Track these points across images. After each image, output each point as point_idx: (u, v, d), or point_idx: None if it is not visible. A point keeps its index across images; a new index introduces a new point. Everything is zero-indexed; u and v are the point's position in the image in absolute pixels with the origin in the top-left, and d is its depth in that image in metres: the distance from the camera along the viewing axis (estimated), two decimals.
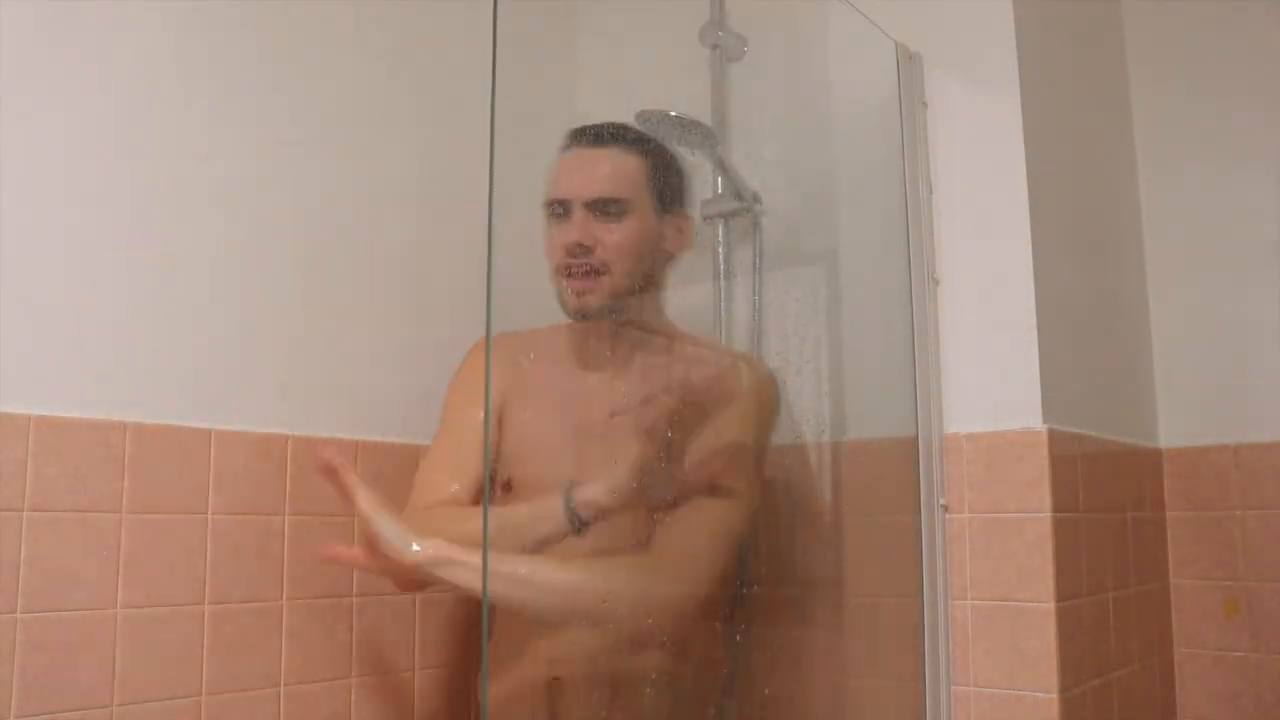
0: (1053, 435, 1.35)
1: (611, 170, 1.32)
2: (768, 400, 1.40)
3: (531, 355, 1.41)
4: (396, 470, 1.49)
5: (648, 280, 1.34)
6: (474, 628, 1.58)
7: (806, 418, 1.52)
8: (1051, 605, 1.30)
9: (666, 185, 1.35)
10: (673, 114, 1.47)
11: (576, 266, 1.29)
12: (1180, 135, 1.80)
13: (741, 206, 1.58)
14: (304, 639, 1.38)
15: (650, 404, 1.30)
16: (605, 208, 1.30)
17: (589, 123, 1.38)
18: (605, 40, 1.91)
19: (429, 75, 1.65)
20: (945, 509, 1.39)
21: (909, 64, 1.49)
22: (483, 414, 1.35)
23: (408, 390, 1.52)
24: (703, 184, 1.62)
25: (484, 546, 1.17)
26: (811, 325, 1.57)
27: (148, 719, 1.22)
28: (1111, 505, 1.53)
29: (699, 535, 1.26)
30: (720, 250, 1.60)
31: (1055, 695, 1.28)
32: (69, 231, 1.22)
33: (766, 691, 1.46)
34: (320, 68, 1.51)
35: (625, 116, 1.46)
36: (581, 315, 1.32)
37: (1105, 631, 1.45)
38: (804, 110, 1.64)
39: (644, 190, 1.32)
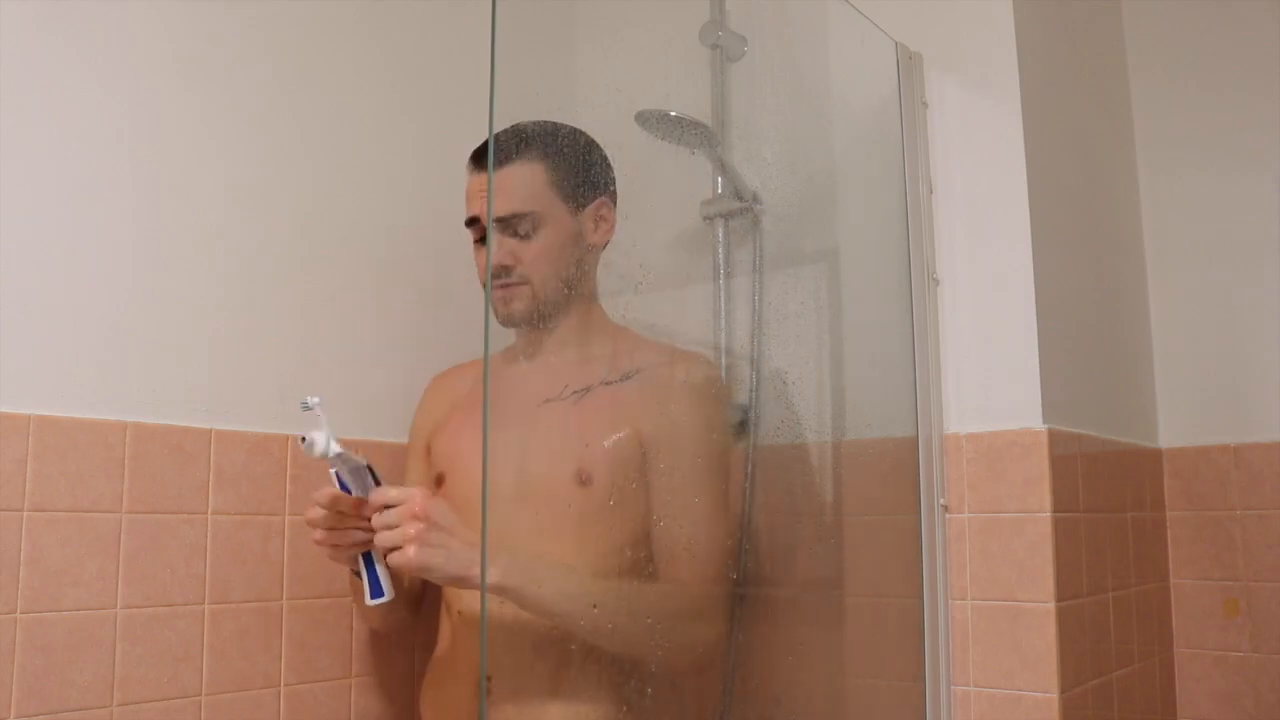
0: (1053, 435, 1.35)
1: (513, 187, 1.30)
2: (707, 398, 1.37)
3: (461, 378, 1.46)
4: (395, 470, 1.49)
5: (577, 279, 1.34)
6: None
7: (807, 418, 1.52)
8: (1051, 605, 1.30)
9: (577, 180, 1.33)
10: (672, 114, 1.46)
11: (501, 284, 1.31)
12: (1180, 135, 1.80)
13: (741, 206, 1.58)
14: (304, 639, 1.38)
15: (586, 394, 1.31)
16: (516, 226, 1.30)
17: (589, 125, 1.38)
18: (605, 40, 1.91)
19: (429, 76, 1.65)
20: (945, 509, 1.39)
21: (909, 64, 1.49)
22: (418, 444, 1.45)
23: (408, 391, 1.52)
24: (703, 184, 1.62)
25: (483, 544, 1.17)
26: (812, 325, 1.57)
27: (148, 719, 1.22)
28: (1111, 505, 1.53)
29: (702, 571, 1.27)
30: (720, 250, 1.60)
31: (1055, 695, 1.28)
32: (69, 231, 1.23)
33: (766, 692, 1.46)
34: (320, 67, 1.51)
35: (625, 116, 1.46)
36: (510, 322, 1.34)
37: (1105, 631, 1.45)
38: (804, 110, 1.64)
39: (551, 196, 1.31)
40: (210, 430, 1.32)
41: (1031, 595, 1.31)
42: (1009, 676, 1.32)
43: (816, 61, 1.64)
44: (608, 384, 1.32)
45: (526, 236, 1.30)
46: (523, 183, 1.31)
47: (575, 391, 1.31)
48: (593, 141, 1.38)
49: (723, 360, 1.57)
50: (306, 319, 1.45)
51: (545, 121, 1.36)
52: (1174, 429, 1.76)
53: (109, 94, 1.27)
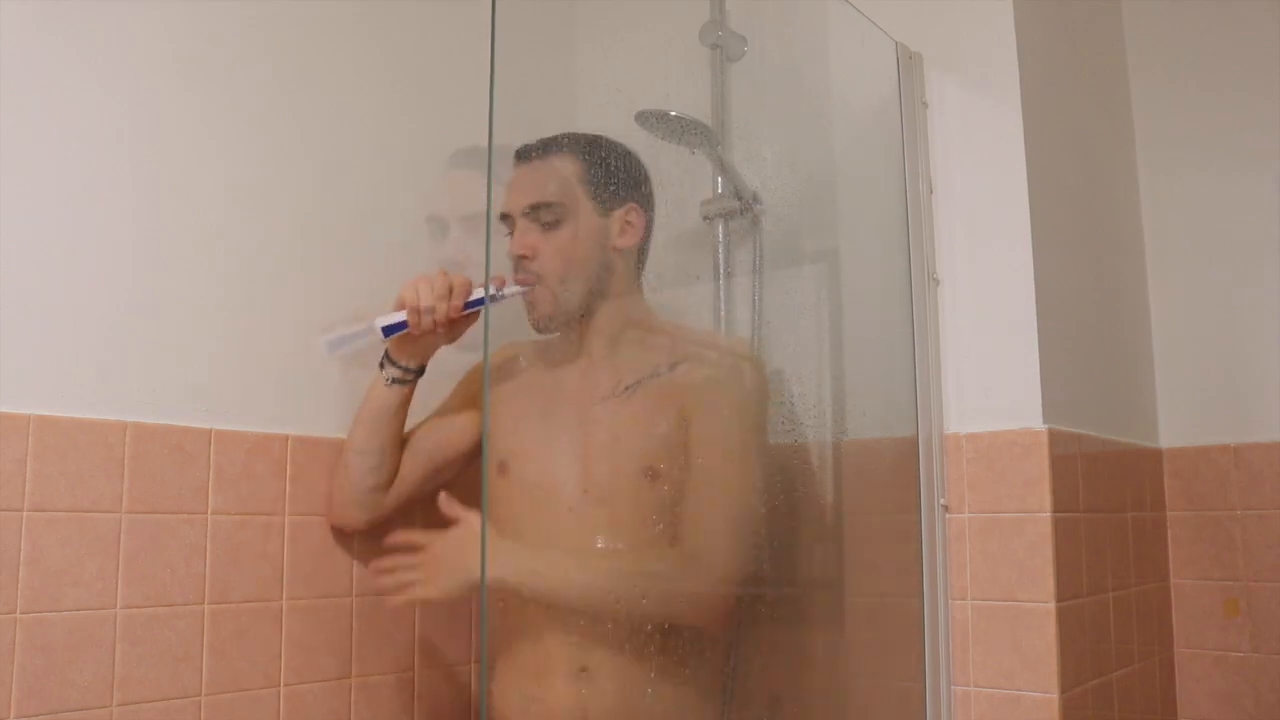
0: (1053, 435, 1.35)
1: (545, 178, 1.35)
2: (753, 387, 1.40)
3: (522, 359, 1.46)
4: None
5: (599, 278, 1.35)
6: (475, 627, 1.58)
7: (807, 418, 1.52)
8: (1051, 605, 1.30)
9: (608, 182, 1.35)
10: (673, 114, 1.47)
11: (519, 278, 1.34)
12: (1180, 135, 1.80)
13: (741, 206, 1.58)
14: (304, 639, 1.38)
15: (636, 389, 1.32)
16: (540, 215, 1.33)
17: (589, 125, 1.39)
18: (605, 40, 1.91)
19: (429, 76, 1.65)
20: (945, 509, 1.39)
21: (909, 64, 1.49)
22: (460, 417, 1.45)
23: None
24: (703, 184, 1.62)
25: (483, 537, 1.17)
26: (812, 325, 1.57)
27: (148, 719, 1.22)
28: (1111, 505, 1.53)
29: (717, 527, 1.28)
30: (720, 250, 1.60)
31: (1055, 695, 1.28)
32: (69, 231, 1.22)
33: (766, 692, 1.46)
34: (320, 67, 1.51)
35: (625, 116, 1.46)
36: (539, 327, 1.36)
37: (1105, 631, 1.45)
38: (804, 110, 1.64)
39: (580, 193, 1.34)
40: (210, 430, 1.32)
41: (1031, 595, 1.31)
42: (1009, 676, 1.32)
43: (816, 61, 1.64)
44: (657, 376, 1.33)
45: (549, 228, 1.32)
46: (554, 175, 1.34)
47: (627, 387, 1.33)
48: (631, 153, 1.40)
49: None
50: (306, 319, 1.45)
51: (588, 133, 1.39)
52: (1174, 429, 1.76)
53: (109, 94, 1.27)
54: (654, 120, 1.46)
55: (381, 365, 1.37)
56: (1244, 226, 1.72)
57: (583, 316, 1.35)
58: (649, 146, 1.49)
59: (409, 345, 1.35)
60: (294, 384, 1.42)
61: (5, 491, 1.13)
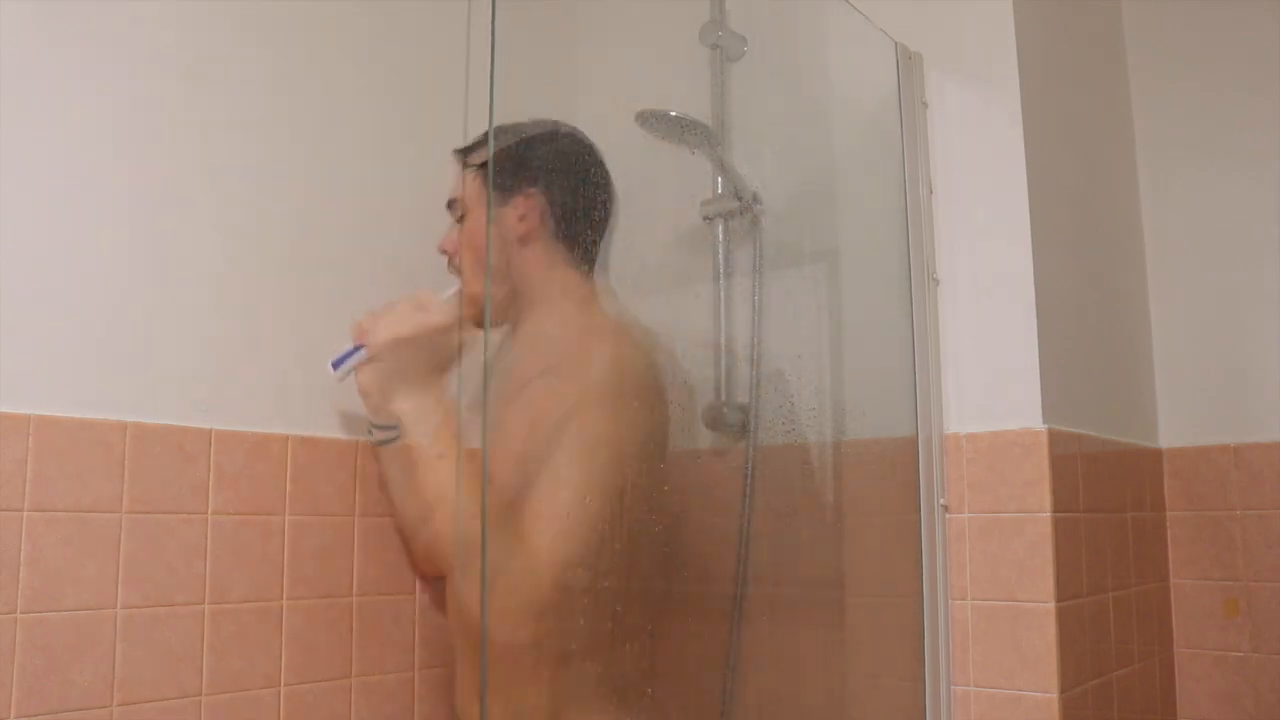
0: (1053, 435, 1.35)
1: (460, 174, 1.39)
2: (612, 380, 1.24)
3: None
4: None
5: (503, 269, 1.33)
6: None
7: (807, 418, 1.53)
8: (1051, 605, 1.30)
9: (513, 170, 1.32)
10: (673, 114, 1.47)
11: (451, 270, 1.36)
12: (1180, 135, 1.80)
13: (741, 206, 1.58)
14: (304, 639, 1.38)
15: (524, 388, 1.25)
16: (453, 210, 1.38)
17: (589, 125, 1.39)
18: (605, 40, 1.91)
19: (428, 75, 1.65)
20: (945, 509, 1.40)
21: (909, 64, 1.49)
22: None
23: None
24: (703, 184, 1.62)
25: (482, 545, 1.17)
26: (811, 325, 1.57)
27: (148, 719, 1.22)
28: (1111, 505, 1.53)
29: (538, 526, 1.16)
30: (720, 250, 1.60)
31: (1055, 695, 1.28)
32: (68, 231, 1.23)
33: (766, 692, 1.46)
34: (320, 70, 1.51)
35: (625, 116, 1.46)
36: (474, 325, 1.32)
37: (1105, 631, 1.45)
38: (804, 110, 1.65)
39: (482, 185, 1.34)
40: (210, 430, 1.32)
41: (1031, 595, 1.31)
42: (1009, 676, 1.32)
43: (816, 61, 1.64)
44: (542, 376, 1.26)
45: (460, 222, 1.36)
46: (470, 170, 1.37)
47: (518, 388, 1.26)
48: (543, 136, 1.36)
49: (722, 359, 1.57)
50: (306, 319, 1.45)
51: (510, 122, 1.36)
52: (1174, 429, 1.76)
53: (108, 94, 1.27)
54: (654, 120, 1.46)
55: (370, 432, 1.33)
56: (1244, 226, 1.72)
57: (506, 311, 1.35)
58: (649, 146, 1.49)
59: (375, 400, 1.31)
60: (294, 384, 1.42)
61: (5, 491, 1.13)
